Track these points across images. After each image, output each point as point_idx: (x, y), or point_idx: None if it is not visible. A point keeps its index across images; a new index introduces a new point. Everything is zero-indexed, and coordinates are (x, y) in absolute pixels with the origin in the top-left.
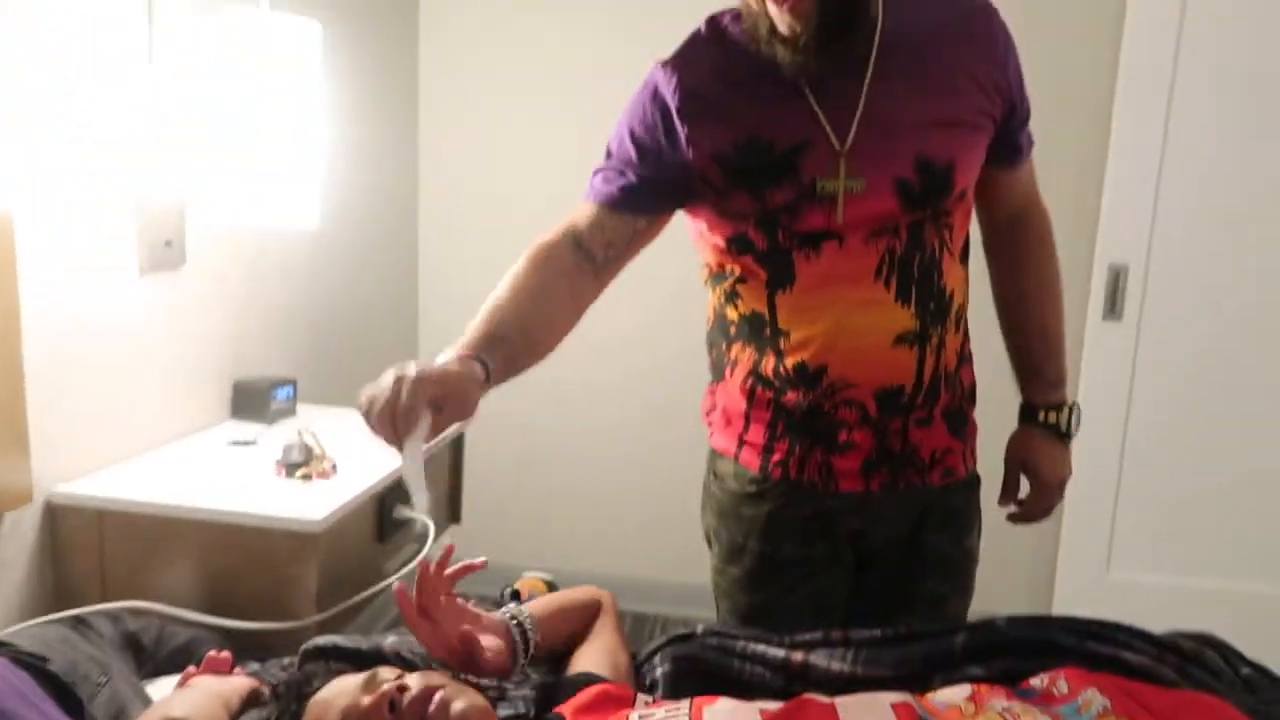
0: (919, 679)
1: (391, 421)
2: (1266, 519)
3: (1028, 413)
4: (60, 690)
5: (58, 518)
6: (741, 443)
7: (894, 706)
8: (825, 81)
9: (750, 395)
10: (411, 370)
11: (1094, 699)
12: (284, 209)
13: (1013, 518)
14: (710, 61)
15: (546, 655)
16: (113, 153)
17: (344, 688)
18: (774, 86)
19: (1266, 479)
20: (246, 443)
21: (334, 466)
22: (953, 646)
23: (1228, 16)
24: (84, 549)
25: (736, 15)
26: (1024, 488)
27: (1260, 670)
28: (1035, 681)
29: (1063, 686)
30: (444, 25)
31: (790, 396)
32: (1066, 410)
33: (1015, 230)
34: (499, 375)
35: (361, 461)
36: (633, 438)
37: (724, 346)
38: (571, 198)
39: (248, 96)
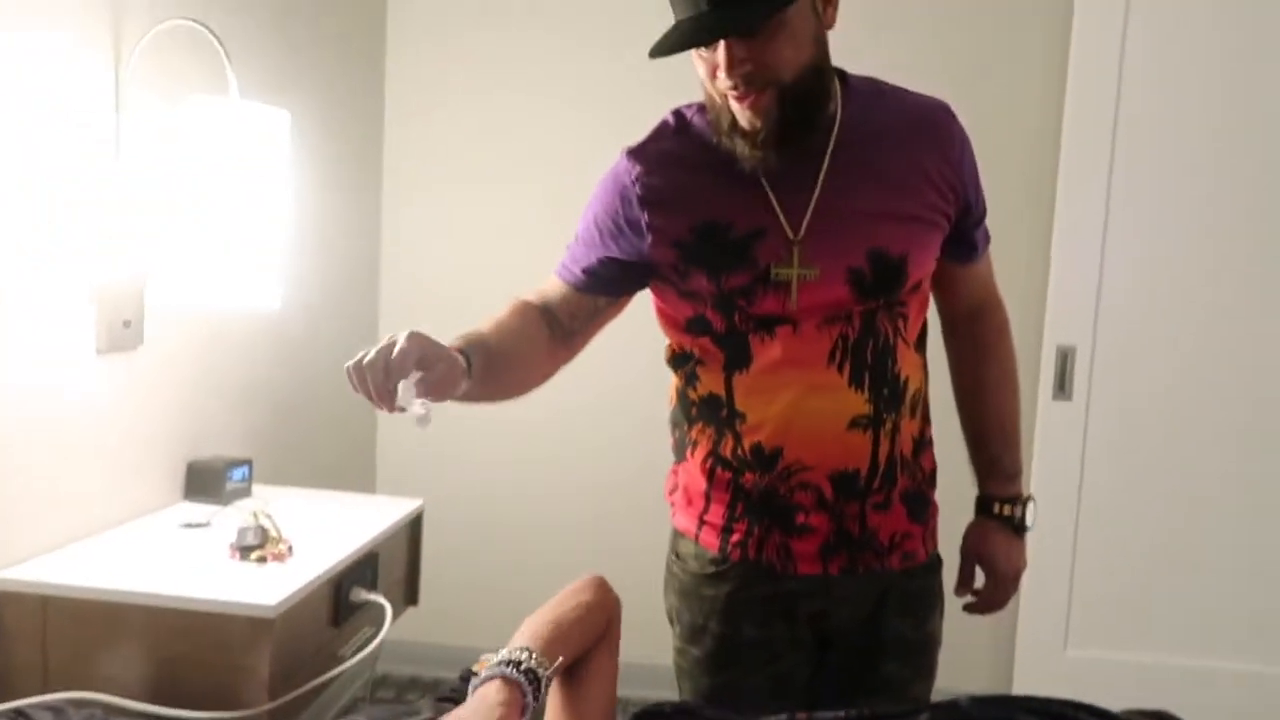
0: None
1: (385, 367)
2: (1221, 594)
3: (984, 505)
4: None
5: (1, 604)
6: (702, 523)
7: None
8: (782, 172)
9: (710, 475)
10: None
11: None
12: (246, 290)
13: (969, 608)
14: (673, 151)
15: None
16: (75, 235)
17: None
18: (732, 175)
19: (1220, 554)
20: (199, 525)
21: (290, 549)
22: None
23: (1164, 104)
24: (26, 637)
25: (701, 107)
26: (980, 578)
27: None
28: None
29: None
30: (409, 113)
31: (748, 478)
32: (1021, 504)
33: (973, 323)
34: (479, 374)
35: (318, 544)
36: (594, 518)
37: (685, 427)
38: (532, 283)
39: (214, 182)
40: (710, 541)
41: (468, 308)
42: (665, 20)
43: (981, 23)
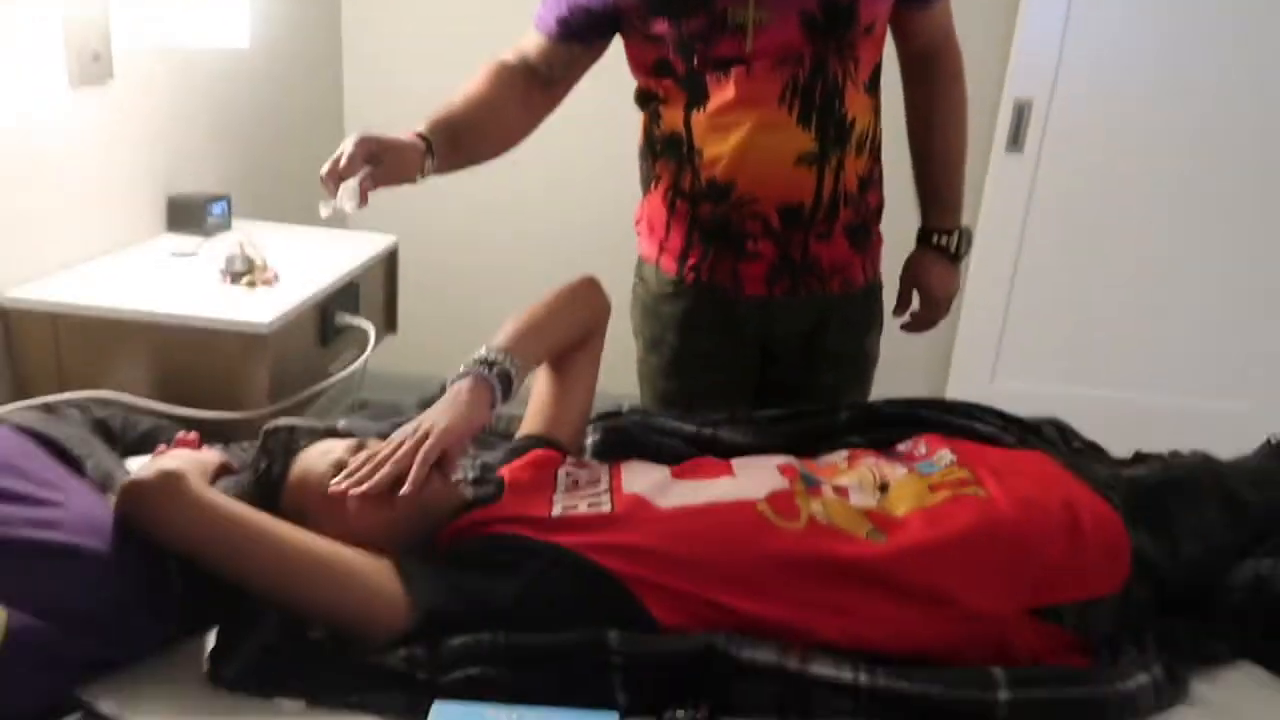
0: (808, 449)
1: (334, 165)
2: (1141, 336)
3: (923, 235)
4: (59, 453)
5: (12, 319)
6: (662, 249)
7: (779, 465)
8: None
9: (671, 206)
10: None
11: (944, 455)
12: (214, 27)
13: (905, 327)
14: None
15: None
16: None
17: (333, 445)
18: None
19: (1143, 299)
20: (187, 254)
21: (276, 276)
22: (836, 422)
23: None
24: (40, 349)
25: None
26: (916, 301)
27: (1090, 445)
28: (901, 446)
29: (922, 449)
30: None
31: (704, 209)
32: (957, 234)
33: (928, 67)
34: (443, 151)
35: (302, 272)
36: (565, 249)
37: (650, 162)
38: (489, 20)
39: None
40: (669, 266)
41: (430, 45)
42: None
43: None
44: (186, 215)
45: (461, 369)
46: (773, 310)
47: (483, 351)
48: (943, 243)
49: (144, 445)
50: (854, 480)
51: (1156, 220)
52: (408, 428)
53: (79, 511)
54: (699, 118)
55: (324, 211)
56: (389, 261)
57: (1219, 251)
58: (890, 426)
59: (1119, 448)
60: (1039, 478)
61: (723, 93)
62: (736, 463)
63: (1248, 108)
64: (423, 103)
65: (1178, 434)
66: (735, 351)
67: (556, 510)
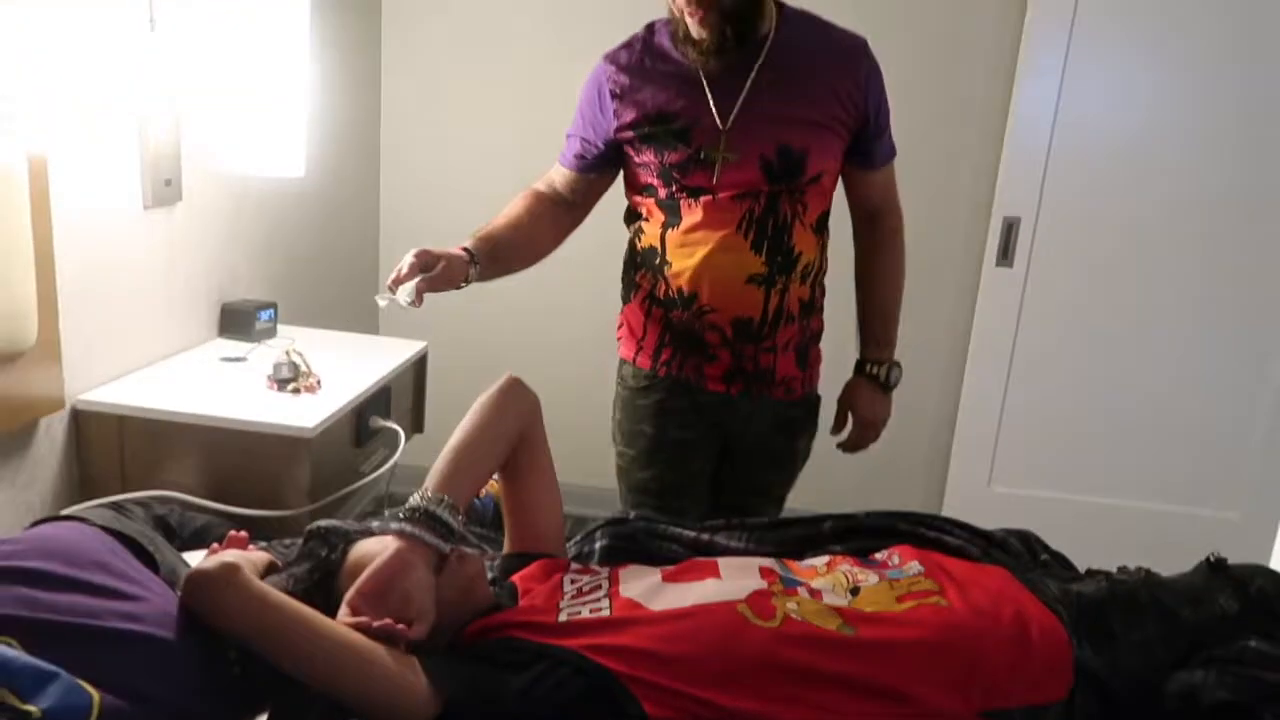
0: (794, 553)
1: (397, 272)
2: (1132, 443)
3: (859, 365)
4: (135, 549)
5: (83, 422)
6: (639, 348)
7: (760, 567)
8: (719, 77)
9: (647, 312)
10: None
11: (913, 566)
12: (273, 157)
13: (840, 446)
14: (638, 56)
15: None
16: (121, 104)
17: (388, 540)
18: (681, 78)
19: (1132, 407)
20: (237, 359)
21: (319, 382)
22: (821, 530)
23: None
24: (106, 449)
25: (668, 22)
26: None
27: (1057, 556)
28: (878, 555)
29: (895, 559)
30: (403, 16)
31: (675, 315)
32: (888, 366)
33: (871, 223)
34: (485, 263)
35: (341, 378)
36: (580, 357)
37: (632, 273)
38: (509, 160)
39: (243, 58)
40: (645, 363)
41: (456, 180)
42: None
43: None
44: (237, 322)
45: (394, 522)
46: (730, 407)
47: (415, 499)
48: (875, 372)
49: (199, 541)
50: (828, 584)
51: (1144, 330)
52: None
53: (156, 605)
54: (672, 235)
55: (381, 302)
56: (419, 366)
57: (1208, 360)
58: (870, 536)
59: (1111, 554)
60: (996, 591)
61: (692, 215)
62: (723, 563)
63: (1231, 220)
64: (449, 222)
65: (1169, 541)
66: (700, 440)
67: (562, 617)
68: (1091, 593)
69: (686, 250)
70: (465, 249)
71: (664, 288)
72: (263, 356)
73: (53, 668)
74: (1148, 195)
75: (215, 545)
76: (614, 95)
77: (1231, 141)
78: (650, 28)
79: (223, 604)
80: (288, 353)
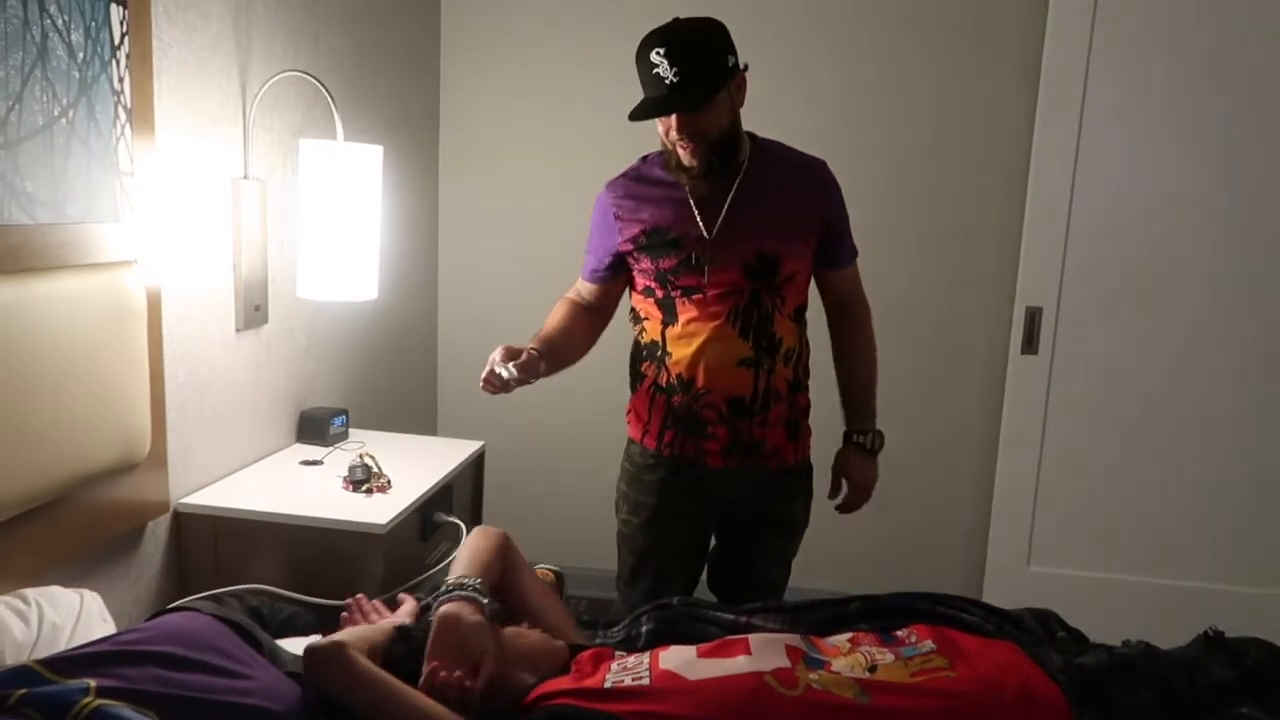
0: (824, 633)
1: (490, 368)
2: (1171, 520)
3: (846, 435)
4: (243, 635)
5: (183, 523)
6: (645, 431)
7: (786, 645)
8: (705, 197)
9: (652, 400)
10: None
11: (926, 644)
12: (352, 285)
13: (838, 508)
14: (636, 183)
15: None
16: (218, 242)
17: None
18: (672, 198)
19: (1169, 485)
20: (315, 462)
21: (389, 482)
22: (848, 611)
23: (1133, 78)
24: (203, 547)
25: (660, 153)
26: (844, 488)
27: (1072, 633)
28: (899, 633)
29: (913, 637)
30: (459, 153)
31: (676, 399)
32: (872, 434)
33: (840, 314)
34: (549, 360)
35: (408, 478)
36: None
37: (638, 365)
38: (550, 267)
39: (329, 201)
40: (650, 443)
41: (502, 298)
42: None
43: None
44: (313, 427)
45: (443, 596)
46: (727, 478)
47: (450, 580)
48: (861, 440)
49: (286, 630)
50: (848, 664)
51: (1175, 410)
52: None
53: (264, 681)
54: (671, 330)
55: (503, 373)
56: (477, 464)
57: (1242, 433)
58: (892, 616)
59: (1151, 632)
60: (1003, 663)
61: (687, 312)
62: (754, 640)
63: (1251, 297)
64: (498, 338)
65: (1211, 618)
66: (698, 512)
67: (608, 684)
68: (1092, 664)
69: (684, 341)
70: (533, 349)
71: (666, 376)
72: (337, 459)
73: None
74: (1173, 271)
75: (345, 615)
76: (616, 216)
77: (1260, 208)
78: (644, 159)
79: (329, 675)
80: (361, 456)
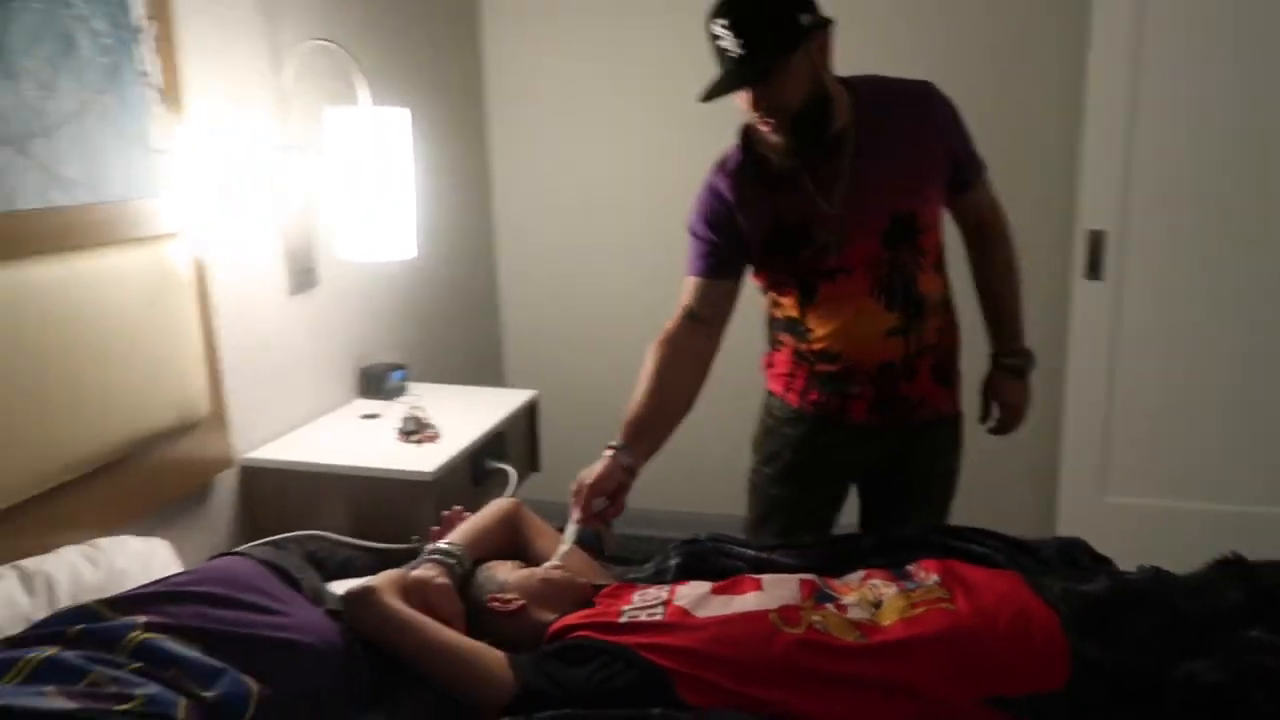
0: (838, 568)
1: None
2: (1248, 447)
3: (994, 359)
4: (283, 576)
5: (249, 477)
6: (788, 388)
7: (800, 581)
8: (819, 168)
9: (795, 363)
10: (587, 480)
11: (931, 577)
12: (388, 244)
13: (990, 431)
14: (743, 164)
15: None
16: (264, 211)
17: (500, 565)
18: (785, 181)
19: (1245, 409)
20: (373, 416)
21: (439, 433)
22: (863, 546)
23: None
24: (269, 497)
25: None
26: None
27: (1099, 558)
28: (910, 568)
29: (922, 573)
30: (506, 93)
31: (820, 366)
32: (1021, 355)
33: (978, 235)
34: (637, 447)
35: (459, 427)
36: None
37: (776, 332)
38: (607, 213)
39: (359, 166)
40: (793, 400)
41: (566, 247)
42: None
43: None
44: (373, 383)
45: (414, 564)
46: (870, 436)
47: (431, 546)
48: (1011, 363)
49: (343, 572)
50: (855, 599)
51: (1253, 335)
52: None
53: (298, 617)
54: (810, 309)
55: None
56: (530, 412)
57: None
58: (906, 549)
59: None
60: (1002, 593)
61: (827, 290)
62: (766, 579)
63: None
64: (558, 289)
65: None
66: (834, 471)
67: (623, 619)
68: (1094, 591)
69: (825, 320)
70: (613, 447)
71: (806, 348)
72: (395, 412)
73: (223, 665)
74: (1249, 184)
75: (436, 528)
76: (728, 203)
77: None
78: (745, 136)
79: (361, 616)
80: (412, 408)
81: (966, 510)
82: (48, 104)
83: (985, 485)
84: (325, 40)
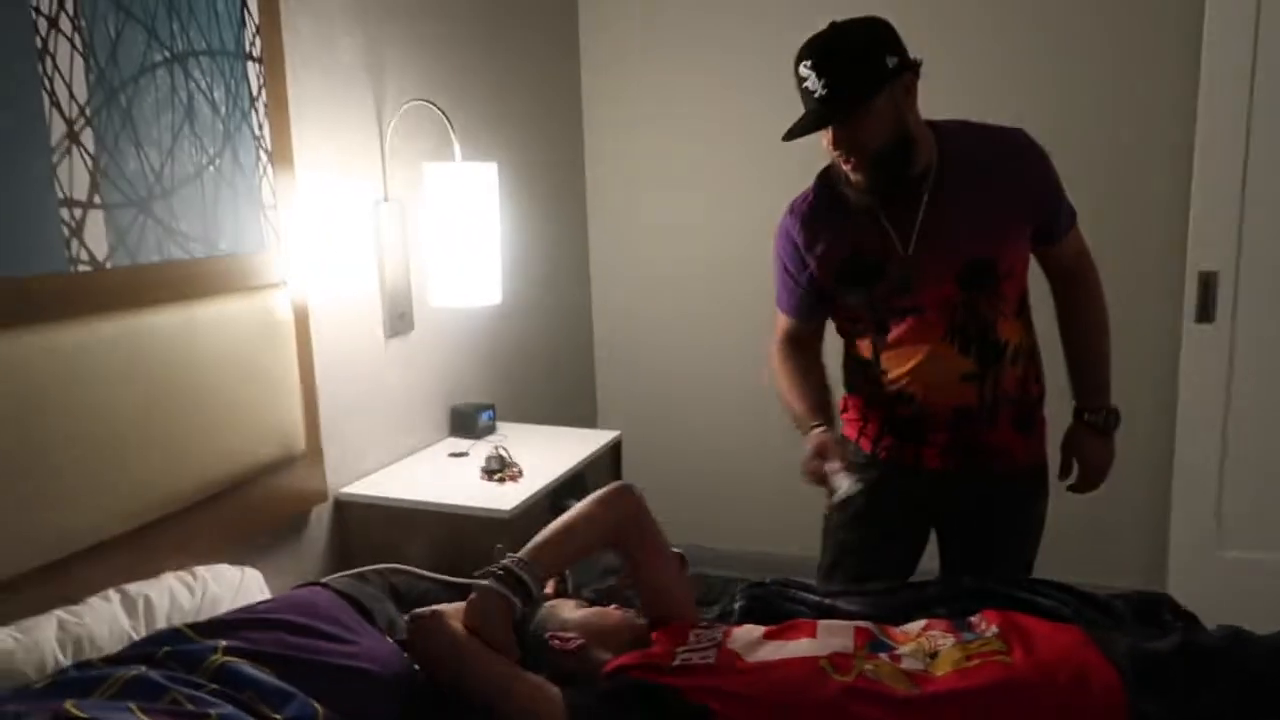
0: (901, 617)
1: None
2: None
3: (1076, 413)
4: (357, 607)
5: (343, 510)
6: (861, 433)
7: (855, 628)
8: (896, 210)
9: (870, 406)
10: (825, 439)
11: (991, 629)
12: (476, 291)
13: (1070, 489)
14: (819, 206)
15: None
16: (363, 259)
17: (562, 604)
18: (860, 219)
19: None
20: (461, 454)
21: (521, 472)
22: (927, 596)
23: None
24: (360, 530)
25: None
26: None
27: (1184, 617)
28: (972, 619)
29: (984, 624)
30: (603, 148)
31: (894, 410)
32: (1104, 412)
33: (1067, 286)
34: (830, 422)
35: (542, 467)
36: (764, 438)
37: (849, 374)
38: (695, 259)
39: (450, 218)
40: (866, 445)
41: (661, 296)
42: None
43: None
44: (463, 422)
45: (483, 575)
46: (946, 483)
47: (505, 561)
48: (1094, 419)
49: (421, 603)
50: (911, 648)
51: None
52: None
53: (367, 647)
54: (883, 348)
55: (837, 497)
56: (614, 452)
57: None
58: (972, 599)
59: None
60: (1063, 648)
61: (900, 330)
62: (821, 625)
63: None
64: (652, 332)
65: None
66: (909, 517)
67: (676, 661)
68: (1161, 649)
69: (898, 360)
70: (816, 424)
71: (880, 391)
72: (482, 451)
73: (293, 689)
74: None
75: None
76: (803, 245)
77: None
78: (823, 175)
79: (423, 642)
80: (496, 448)
81: (1073, 562)
82: (169, 168)
83: (1094, 536)
84: (424, 100)
